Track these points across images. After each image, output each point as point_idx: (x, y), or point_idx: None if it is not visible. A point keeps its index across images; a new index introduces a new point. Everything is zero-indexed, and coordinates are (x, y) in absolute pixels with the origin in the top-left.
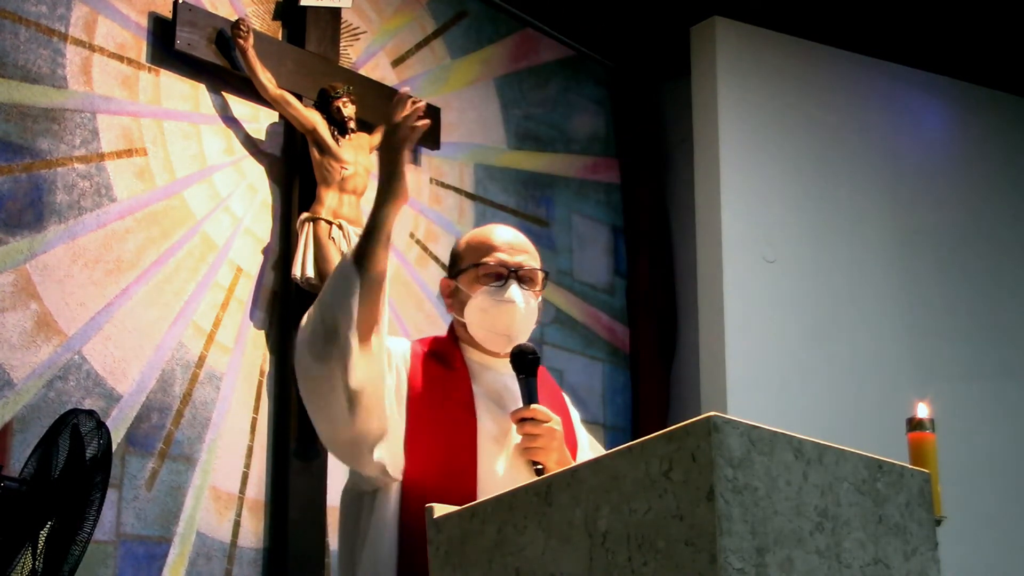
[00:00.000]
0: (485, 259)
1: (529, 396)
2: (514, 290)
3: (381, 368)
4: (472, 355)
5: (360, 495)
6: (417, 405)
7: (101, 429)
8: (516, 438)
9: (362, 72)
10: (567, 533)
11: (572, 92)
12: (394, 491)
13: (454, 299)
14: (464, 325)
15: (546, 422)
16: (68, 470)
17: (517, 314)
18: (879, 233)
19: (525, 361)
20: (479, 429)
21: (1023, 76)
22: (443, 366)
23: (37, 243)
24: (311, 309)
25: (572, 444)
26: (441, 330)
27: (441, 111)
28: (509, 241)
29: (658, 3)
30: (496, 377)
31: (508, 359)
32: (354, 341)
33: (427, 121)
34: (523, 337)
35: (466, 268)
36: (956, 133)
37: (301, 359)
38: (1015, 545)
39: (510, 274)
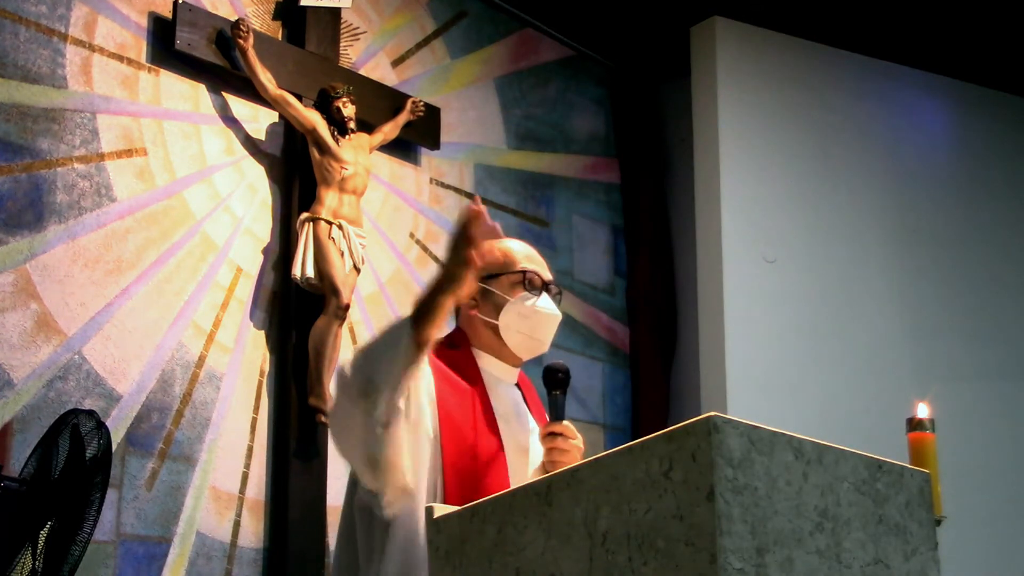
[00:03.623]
0: (527, 268)
1: (559, 412)
2: (552, 301)
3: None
4: (485, 364)
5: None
6: (447, 429)
7: (101, 429)
8: (533, 450)
9: (362, 72)
10: (567, 533)
11: (572, 92)
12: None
13: (481, 301)
14: (484, 328)
15: (574, 439)
16: (68, 470)
17: (555, 324)
18: (879, 233)
19: (556, 379)
20: (504, 444)
21: (1023, 76)
22: (463, 381)
23: (37, 243)
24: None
25: None
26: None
27: (441, 111)
28: (536, 257)
29: (658, 3)
30: (507, 390)
31: (517, 370)
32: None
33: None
34: (549, 346)
35: (500, 273)
36: (956, 133)
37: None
38: (1015, 545)
39: (545, 286)
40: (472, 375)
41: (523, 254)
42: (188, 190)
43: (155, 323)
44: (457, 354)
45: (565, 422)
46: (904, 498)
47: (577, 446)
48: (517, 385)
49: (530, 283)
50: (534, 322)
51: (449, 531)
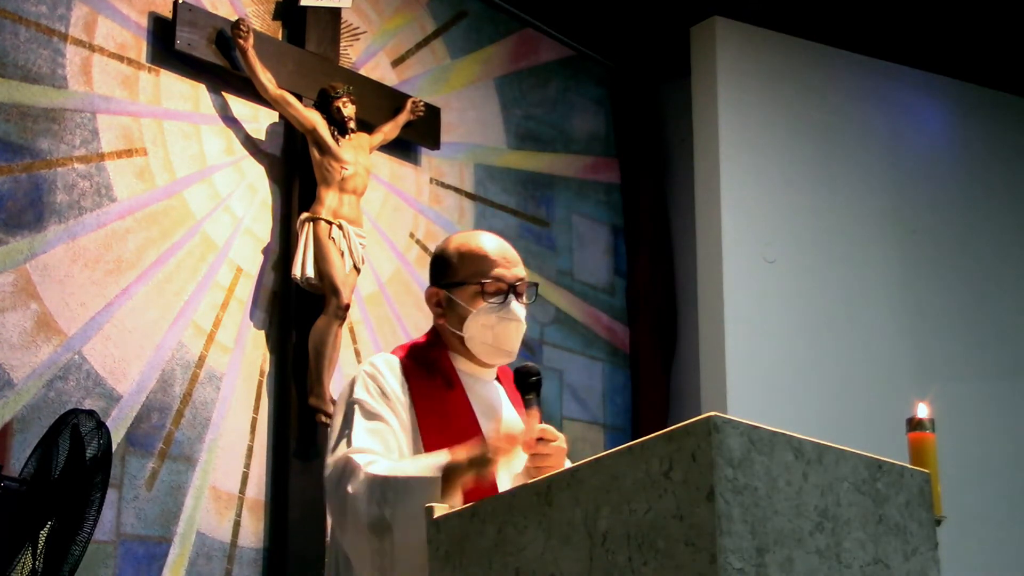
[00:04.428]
0: (486, 278)
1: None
2: (516, 307)
3: None
4: (462, 365)
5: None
6: (427, 432)
7: (101, 429)
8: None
9: (362, 72)
10: (567, 533)
11: (572, 92)
12: None
13: (447, 310)
14: (449, 336)
15: (554, 441)
16: (68, 470)
17: (520, 331)
18: (879, 233)
19: (528, 383)
20: None
21: (1023, 76)
22: (439, 382)
23: (37, 243)
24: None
25: None
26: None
27: (441, 111)
28: (504, 254)
29: (658, 3)
30: (485, 387)
31: (495, 368)
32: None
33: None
34: (518, 349)
35: (463, 282)
36: (956, 133)
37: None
38: (1015, 545)
39: (509, 289)
40: (449, 376)
41: (487, 256)
42: (188, 190)
43: (155, 323)
44: (433, 355)
45: (542, 425)
46: (904, 498)
47: (559, 447)
48: (498, 378)
49: (492, 293)
50: (498, 332)
51: (449, 531)
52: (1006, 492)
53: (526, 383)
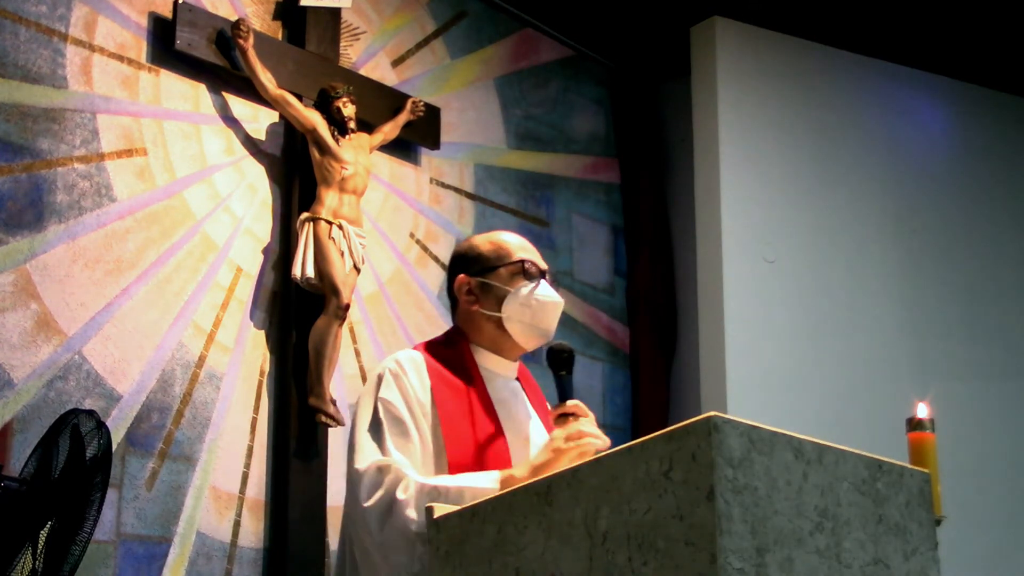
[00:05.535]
0: (523, 257)
1: (567, 393)
2: (552, 288)
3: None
4: (483, 360)
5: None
6: (450, 431)
7: (101, 429)
8: (536, 438)
9: (362, 72)
10: (567, 533)
11: (572, 92)
12: None
13: (481, 295)
14: (487, 322)
15: (585, 416)
16: (68, 470)
17: (558, 310)
18: (879, 233)
19: (561, 359)
20: (507, 434)
21: (1023, 76)
22: (460, 377)
23: (37, 243)
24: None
25: None
26: (441, 329)
27: (441, 111)
28: (529, 247)
29: (658, 3)
30: (504, 383)
31: (516, 363)
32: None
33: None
34: (554, 331)
35: (498, 265)
36: (956, 133)
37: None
38: (1015, 545)
39: (542, 274)
40: (470, 372)
41: (517, 244)
42: (188, 190)
43: (155, 323)
44: (454, 352)
45: (574, 401)
46: (904, 498)
47: (591, 423)
48: (517, 379)
49: (528, 272)
50: (536, 310)
51: (449, 531)
52: (1006, 492)
53: (559, 360)
